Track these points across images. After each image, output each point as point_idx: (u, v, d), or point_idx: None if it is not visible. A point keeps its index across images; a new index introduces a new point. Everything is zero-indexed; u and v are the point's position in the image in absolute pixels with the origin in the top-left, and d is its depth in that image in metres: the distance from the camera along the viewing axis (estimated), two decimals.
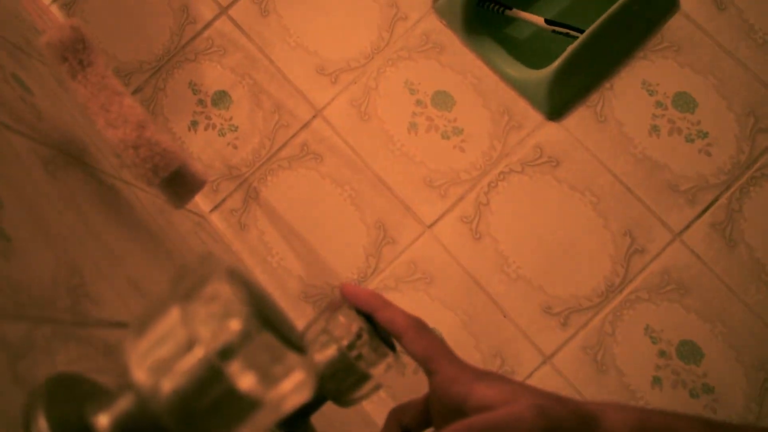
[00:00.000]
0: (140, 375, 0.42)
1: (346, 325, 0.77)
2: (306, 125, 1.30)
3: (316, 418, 0.83)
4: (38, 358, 0.49)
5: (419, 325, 0.76)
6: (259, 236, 1.28)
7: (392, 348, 0.78)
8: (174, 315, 0.42)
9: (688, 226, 1.19)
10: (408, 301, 1.23)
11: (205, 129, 1.33)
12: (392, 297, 1.23)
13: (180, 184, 0.89)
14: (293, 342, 0.45)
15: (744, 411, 1.14)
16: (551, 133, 1.23)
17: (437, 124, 1.26)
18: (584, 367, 1.18)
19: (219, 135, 1.33)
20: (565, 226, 1.22)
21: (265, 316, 0.43)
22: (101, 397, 0.45)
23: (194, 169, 0.92)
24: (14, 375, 0.45)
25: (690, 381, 1.16)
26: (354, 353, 0.75)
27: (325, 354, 0.76)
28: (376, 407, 1.23)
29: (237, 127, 1.32)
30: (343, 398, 0.78)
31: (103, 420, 0.44)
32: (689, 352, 1.16)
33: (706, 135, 1.20)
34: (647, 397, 1.16)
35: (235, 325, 0.42)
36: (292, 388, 0.43)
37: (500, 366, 1.19)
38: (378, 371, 0.77)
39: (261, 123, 1.31)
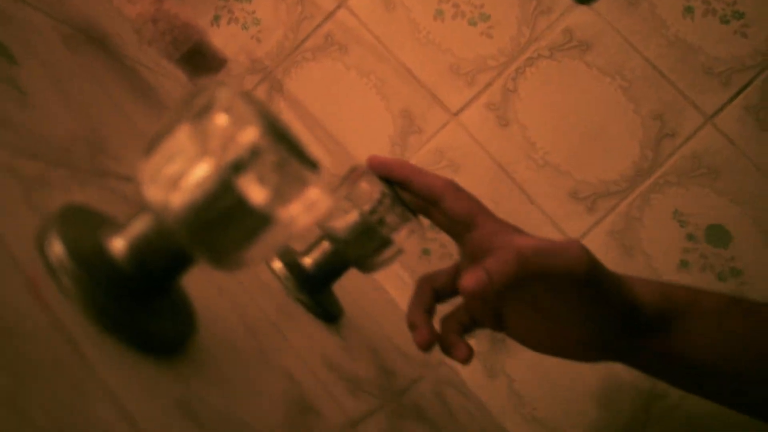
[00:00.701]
0: (152, 191, 0.42)
1: (369, 191, 0.77)
2: (330, 16, 1.28)
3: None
4: (54, 194, 0.49)
5: (457, 186, 0.76)
6: None
7: (414, 214, 0.78)
8: (185, 131, 0.42)
9: (721, 109, 1.16)
10: None
11: (228, 23, 1.32)
12: None
13: (200, 60, 0.89)
14: (308, 160, 0.44)
15: None
16: (581, 16, 1.20)
17: (464, 11, 1.24)
18: (611, 251, 1.17)
19: (242, 29, 1.31)
20: (595, 112, 1.20)
21: (278, 133, 0.42)
22: (116, 225, 0.46)
23: (215, 48, 0.91)
24: (29, 203, 0.46)
25: (718, 264, 1.15)
26: (376, 217, 0.76)
27: (347, 219, 0.77)
28: (401, 293, 1.23)
29: (260, 20, 1.31)
30: (365, 263, 0.78)
31: (118, 243, 0.44)
32: (718, 235, 1.15)
33: (742, 15, 1.16)
34: (674, 280, 1.15)
35: (246, 138, 0.41)
36: (305, 206, 0.43)
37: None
38: (400, 236, 0.77)
39: (284, 15, 1.29)
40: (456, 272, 0.81)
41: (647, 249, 1.17)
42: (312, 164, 0.45)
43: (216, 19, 1.33)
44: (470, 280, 0.64)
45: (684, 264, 1.16)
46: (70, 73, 0.73)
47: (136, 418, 0.39)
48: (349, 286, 1.00)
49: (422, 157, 1.24)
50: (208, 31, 1.28)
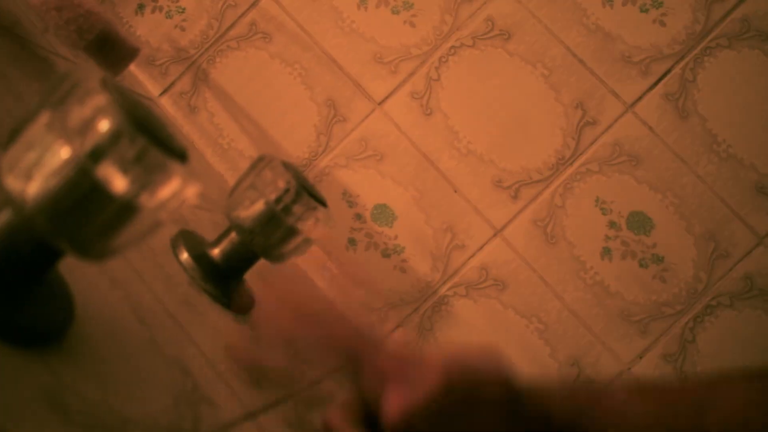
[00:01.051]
0: (10, 180, 0.41)
1: (273, 180, 0.76)
2: (254, 4, 1.27)
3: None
4: None
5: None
6: (209, 118, 1.26)
7: (322, 203, 0.78)
8: (43, 119, 0.41)
9: (640, 98, 1.18)
10: (359, 177, 1.22)
11: (152, 12, 1.30)
12: (342, 174, 1.23)
13: (109, 49, 0.87)
14: (174, 150, 0.44)
15: (693, 281, 1.15)
16: (503, 4, 1.21)
17: (387, 0, 1.23)
18: (534, 239, 1.18)
19: (166, 17, 1.30)
20: (517, 100, 1.20)
21: (140, 122, 0.42)
22: None
23: (124, 35, 0.89)
24: None
25: (639, 251, 1.16)
26: (280, 206, 0.75)
27: (253, 209, 0.76)
28: (328, 284, 1.23)
29: (184, 9, 1.29)
30: (273, 253, 0.78)
31: None
32: (639, 222, 1.16)
33: (660, 4, 1.18)
34: (597, 268, 1.17)
35: (104, 126, 0.41)
36: (170, 194, 0.43)
37: (450, 240, 1.20)
38: (307, 225, 0.76)
39: (208, 3, 1.28)
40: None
41: (570, 237, 1.18)
42: (178, 153, 0.44)
43: (140, 7, 1.31)
44: (395, 401, 0.57)
45: (606, 251, 1.17)
46: None
47: None
48: (272, 277, 0.99)
49: (347, 146, 1.24)
50: (132, 20, 1.26)
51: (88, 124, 0.41)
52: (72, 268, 0.53)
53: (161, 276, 0.70)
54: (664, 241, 1.16)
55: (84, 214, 0.41)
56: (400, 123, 1.22)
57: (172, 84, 1.28)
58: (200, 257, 0.78)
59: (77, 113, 0.41)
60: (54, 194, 0.40)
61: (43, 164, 0.40)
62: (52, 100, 0.42)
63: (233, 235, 0.79)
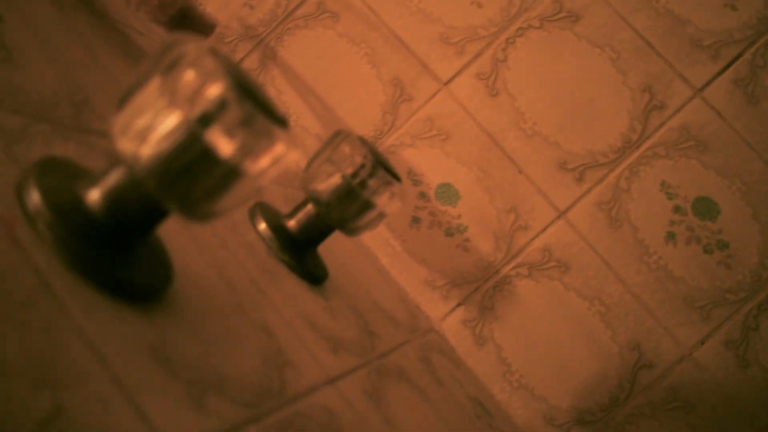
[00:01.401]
0: (123, 143, 0.43)
1: (350, 154, 0.77)
2: None
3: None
4: (34, 148, 0.50)
5: None
6: (276, 96, 1.28)
7: (396, 178, 0.79)
8: (154, 85, 0.43)
9: (709, 83, 1.17)
10: (424, 157, 1.23)
11: None
12: (407, 153, 1.24)
13: (189, 25, 0.89)
14: (275, 116, 0.45)
15: (758, 268, 1.15)
16: None
17: None
18: (598, 222, 1.18)
19: None
20: (583, 83, 1.20)
21: (246, 89, 0.43)
22: (92, 178, 0.47)
23: (202, 11, 0.91)
24: (9, 155, 0.47)
25: (704, 237, 1.16)
26: (357, 180, 0.77)
27: (330, 182, 0.78)
28: (392, 261, 1.25)
29: None
30: (348, 226, 0.79)
31: (93, 194, 0.45)
32: (705, 208, 1.16)
33: None
34: (660, 252, 1.16)
35: (214, 92, 0.42)
36: (273, 159, 0.44)
37: (514, 221, 1.20)
38: (382, 200, 0.78)
39: None
40: None
41: (634, 220, 1.18)
42: (279, 120, 0.46)
43: None
44: None
45: (671, 236, 1.17)
46: (57, 32, 0.73)
47: (108, 358, 0.40)
48: (338, 251, 1.01)
49: (412, 125, 1.25)
50: None
51: (198, 90, 0.42)
52: (164, 233, 0.55)
53: (243, 245, 0.72)
54: (730, 227, 1.16)
55: (192, 176, 0.43)
56: (466, 103, 1.23)
57: (241, 61, 1.30)
58: (277, 228, 0.80)
59: (187, 79, 0.43)
60: (165, 157, 0.42)
61: (155, 128, 0.42)
62: (162, 67, 0.43)
63: (309, 207, 0.80)
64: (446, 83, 1.24)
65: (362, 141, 0.78)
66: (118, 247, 0.46)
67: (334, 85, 1.28)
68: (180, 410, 0.42)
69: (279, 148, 0.44)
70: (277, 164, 0.45)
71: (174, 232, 0.59)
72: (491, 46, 1.23)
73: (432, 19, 1.24)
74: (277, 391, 0.55)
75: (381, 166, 0.77)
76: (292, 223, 0.81)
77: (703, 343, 1.15)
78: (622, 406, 1.16)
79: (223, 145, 0.42)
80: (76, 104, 0.62)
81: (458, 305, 1.23)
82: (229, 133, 0.43)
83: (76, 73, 0.70)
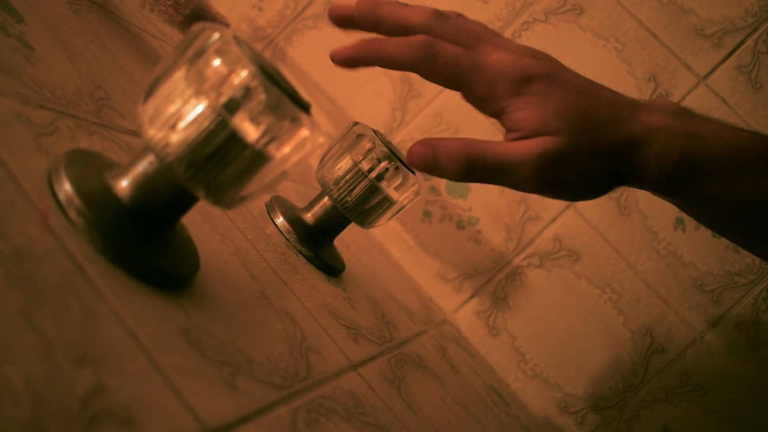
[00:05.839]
0: (151, 131, 0.44)
1: (366, 147, 0.79)
2: None
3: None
4: (61, 141, 0.52)
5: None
6: None
7: (413, 171, 0.80)
8: (181, 74, 0.44)
9: (713, 70, 1.18)
10: None
11: None
12: None
13: None
14: (298, 101, 0.47)
15: None
16: None
17: None
18: (608, 211, 1.19)
19: None
20: (589, 73, 1.19)
21: (270, 75, 0.45)
22: (120, 167, 0.48)
23: (215, 12, 0.93)
24: (38, 146, 0.48)
25: None
26: (374, 174, 0.78)
27: (345, 175, 0.79)
28: (405, 255, 1.26)
29: None
30: (364, 219, 0.81)
31: (122, 182, 0.47)
32: None
33: None
34: (670, 238, 1.17)
35: (240, 78, 0.44)
36: (297, 144, 0.46)
37: (524, 212, 1.22)
38: (398, 192, 0.79)
39: None
40: None
41: (643, 208, 1.19)
42: (303, 105, 0.47)
43: None
44: (417, 151, 0.62)
45: (679, 222, 1.18)
46: (75, 34, 0.75)
47: (143, 340, 0.41)
48: (353, 246, 1.03)
49: (422, 120, 1.26)
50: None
51: (224, 77, 0.44)
52: (187, 222, 0.56)
53: (262, 237, 0.74)
54: None
55: (220, 162, 0.44)
56: None
57: None
58: (295, 221, 0.81)
59: (213, 67, 0.44)
60: (193, 144, 0.44)
61: (182, 116, 0.44)
62: (188, 56, 0.45)
63: (326, 200, 0.82)
64: None
65: (377, 133, 0.80)
66: (148, 234, 0.47)
67: (343, 83, 1.29)
68: (213, 390, 0.44)
69: (303, 133, 0.46)
70: (301, 148, 0.46)
71: (197, 223, 0.60)
72: None
73: None
74: (303, 375, 0.56)
75: (398, 159, 0.78)
76: (308, 216, 0.83)
77: (714, 327, 1.16)
78: (636, 391, 1.17)
79: (250, 130, 0.44)
80: (97, 101, 0.64)
81: (471, 297, 1.24)
82: (256, 118, 0.44)
83: (95, 71, 0.71)
